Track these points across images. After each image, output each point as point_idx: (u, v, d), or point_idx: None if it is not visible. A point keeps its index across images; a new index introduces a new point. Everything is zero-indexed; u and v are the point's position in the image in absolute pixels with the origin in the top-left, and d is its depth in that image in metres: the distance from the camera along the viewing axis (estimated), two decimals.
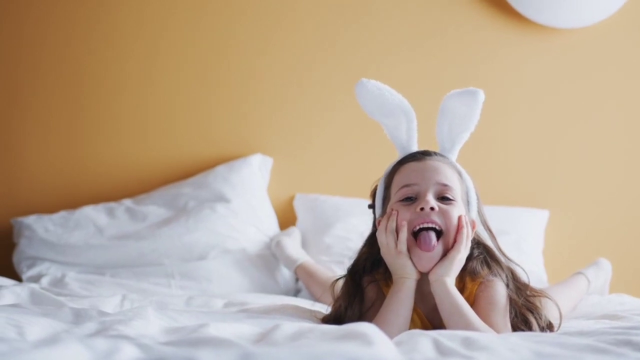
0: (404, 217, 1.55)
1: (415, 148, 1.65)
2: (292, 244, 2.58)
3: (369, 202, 1.71)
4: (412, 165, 1.60)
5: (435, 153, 1.63)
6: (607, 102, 2.87)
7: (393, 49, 2.85)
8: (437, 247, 1.54)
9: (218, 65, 2.84)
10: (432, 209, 1.53)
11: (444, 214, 1.54)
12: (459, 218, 1.55)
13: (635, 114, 2.87)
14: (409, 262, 1.55)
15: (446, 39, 2.86)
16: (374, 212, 1.68)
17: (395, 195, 1.58)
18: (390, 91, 1.62)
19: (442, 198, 1.56)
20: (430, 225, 1.54)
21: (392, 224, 1.56)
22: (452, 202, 1.56)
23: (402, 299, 1.54)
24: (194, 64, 2.84)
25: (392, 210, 1.57)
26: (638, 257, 2.84)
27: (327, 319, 1.66)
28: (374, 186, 1.68)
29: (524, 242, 2.64)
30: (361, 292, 1.63)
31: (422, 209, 1.53)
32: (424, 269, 1.55)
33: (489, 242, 1.67)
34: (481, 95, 1.57)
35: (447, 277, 1.53)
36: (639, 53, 2.87)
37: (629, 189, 2.86)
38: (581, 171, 2.87)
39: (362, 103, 1.63)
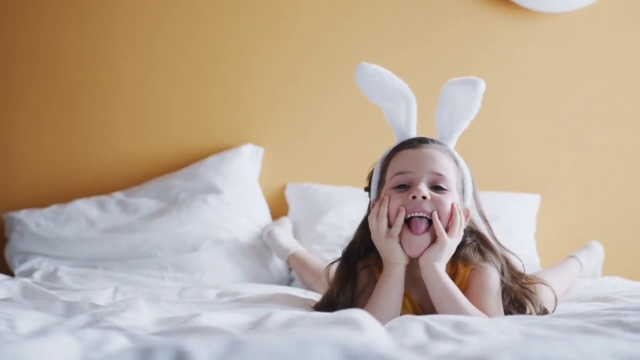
0: (396, 204, 1.55)
1: (413, 133, 1.65)
2: (284, 233, 2.58)
3: (361, 189, 1.72)
4: (407, 153, 1.60)
5: (432, 140, 1.62)
6: (597, 86, 2.87)
7: (386, 39, 2.85)
8: (426, 233, 1.54)
9: (209, 57, 2.83)
10: (424, 197, 1.53)
11: (435, 203, 1.54)
12: (451, 206, 1.55)
13: (626, 97, 2.88)
14: (398, 247, 1.55)
15: (437, 26, 2.85)
16: (369, 195, 1.68)
17: (390, 181, 1.59)
18: (390, 75, 1.62)
19: (436, 187, 1.56)
20: (421, 214, 1.54)
21: (384, 210, 1.56)
22: (445, 191, 1.56)
23: (392, 284, 1.55)
24: (185, 57, 2.83)
25: (385, 196, 1.58)
26: (629, 240, 2.85)
27: (320, 305, 1.67)
28: (370, 169, 1.68)
29: (516, 227, 2.64)
30: (354, 276, 1.64)
31: (414, 197, 1.53)
32: (413, 254, 1.56)
33: (484, 230, 1.67)
34: (482, 85, 1.58)
35: (437, 263, 1.54)
36: (628, 35, 2.87)
37: (620, 172, 2.87)
38: (572, 155, 2.87)
39: (361, 86, 1.64)
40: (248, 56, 2.83)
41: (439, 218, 1.54)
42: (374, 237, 1.59)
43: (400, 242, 1.56)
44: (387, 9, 2.84)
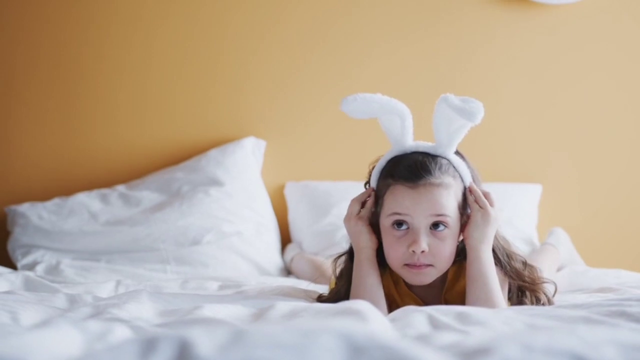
0: (396, 254, 1.53)
1: (410, 142, 1.57)
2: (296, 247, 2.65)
3: (361, 184, 1.70)
4: (404, 192, 1.52)
5: (429, 166, 1.52)
6: (597, 76, 2.87)
7: (387, 34, 2.84)
8: (428, 267, 1.54)
9: (211, 49, 2.83)
10: (422, 252, 1.51)
11: (434, 254, 1.52)
12: (470, 190, 1.55)
13: (625, 87, 2.87)
14: (364, 230, 1.57)
15: (439, 19, 2.84)
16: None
17: (387, 218, 1.54)
18: (380, 101, 1.55)
19: (435, 225, 1.53)
20: (419, 264, 1.53)
21: (362, 197, 1.59)
22: (445, 231, 1.52)
23: (363, 269, 1.57)
24: (187, 49, 2.83)
25: (372, 192, 1.59)
26: (631, 229, 2.85)
27: (325, 299, 1.67)
28: (371, 166, 1.64)
29: (517, 217, 2.63)
30: None
31: (413, 251, 1.51)
32: (418, 284, 1.56)
33: None
34: (480, 115, 1.49)
35: (481, 243, 1.53)
36: (629, 27, 2.86)
37: (621, 161, 2.86)
38: (572, 144, 2.87)
39: (350, 115, 1.59)
40: (250, 49, 2.82)
41: (437, 264, 1.53)
42: (345, 217, 1.60)
43: (405, 279, 1.57)
44: (388, 3, 2.83)
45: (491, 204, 1.55)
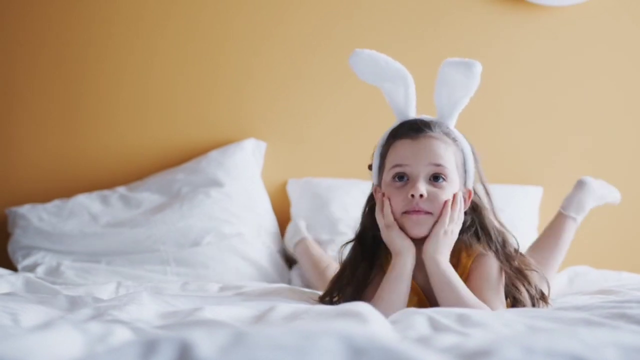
0: (396, 202, 1.58)
1: (413, 113, 1.65)
2: (304, 226, 2.64)
3: (363, 181, 1.73)
4: (405, 144, 1.60)
5: (430, 124, 1.61)
6: (599, 79, 2.87)
7: (388, 35, 2.83)
8: (427, 214, 1.56)
9: (212, 51, 2.83)
10: (421, 196, 1.55)
11: (432, 200, 1.57)
12: (453, 196, 1.58)
13: (627, 90, 2.87)
14: (397, 232, 1.58)
15: (440, 22, 2.84)
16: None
17: (389, 172, 1.61)
18: (385, 60, 1.61)
19: (435, 177, 1.56)
20: (418, 210, 1.57)
21: (386, 208, 1.60)
22: (444, 183, 1.57)
23: (397, 275, 1.57)
24: (189, 51, 2.82)
25: (385, 198, 1.60)
26: (633, 232, 2.85)
27: (330, 286, 1.69)
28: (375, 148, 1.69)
29: (519, 219, 2.63)
30: (368, 257, 1.66)
31: (412, 195, 1.55)
32: (417, 235, 1.58)
33: (485, 204, 1.68)
34: (478, 67, 1.56)
35: (438, 254, 1.56)
36: (631, 29, 2.86)
37: (623, 163, 2.86)
38: (574, 147, 2.87)
39: (357, 72, 1.64)
40: (252, 51, 2.82)
41: (436, 214, 1.57)
42: (382, 232, 1.62)
43: (405, 230, 1.58)
44: (390, 4, 2.83)
45: (451, 219, 1.58)
